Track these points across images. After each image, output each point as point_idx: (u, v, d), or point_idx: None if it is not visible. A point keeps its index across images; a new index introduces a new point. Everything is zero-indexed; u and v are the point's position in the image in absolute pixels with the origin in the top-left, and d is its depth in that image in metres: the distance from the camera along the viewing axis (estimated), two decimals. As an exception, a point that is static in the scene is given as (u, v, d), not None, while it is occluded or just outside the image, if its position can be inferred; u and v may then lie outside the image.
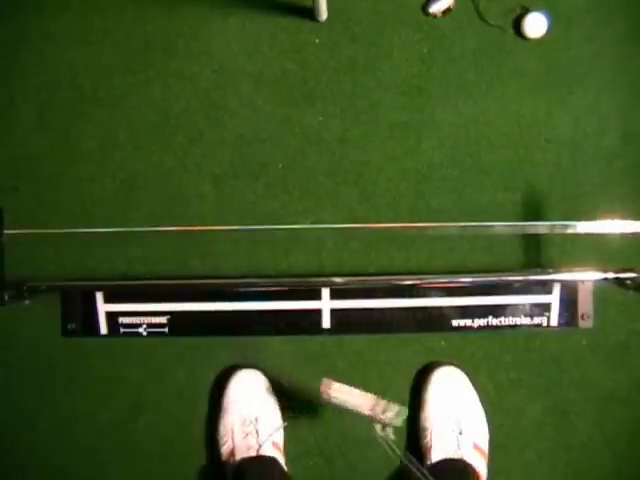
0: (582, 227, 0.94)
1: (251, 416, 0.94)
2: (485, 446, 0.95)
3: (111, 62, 1.00)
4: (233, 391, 0.97)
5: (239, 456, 0.91)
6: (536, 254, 0.99)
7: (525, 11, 0.98)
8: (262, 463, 0.90)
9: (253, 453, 0.91)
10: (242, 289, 1.00)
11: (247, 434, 0.93)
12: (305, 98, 1.00)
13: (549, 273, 0.94)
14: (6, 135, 1.01)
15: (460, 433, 0.92)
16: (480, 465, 0.92)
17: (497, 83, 0.99)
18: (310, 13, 0.97)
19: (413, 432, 0.98)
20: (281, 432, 0.96)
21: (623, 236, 0.93)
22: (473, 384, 0.98)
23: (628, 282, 0.87)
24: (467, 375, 0.98)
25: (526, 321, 0.99)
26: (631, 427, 0.99)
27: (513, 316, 0.99)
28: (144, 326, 1.00)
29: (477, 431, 0.95)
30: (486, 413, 0.97)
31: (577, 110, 0.99)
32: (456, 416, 0.94)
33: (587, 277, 0.92)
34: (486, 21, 0.99)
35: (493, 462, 0.96)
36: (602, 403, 0.99)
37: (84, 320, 1.01)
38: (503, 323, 0.99)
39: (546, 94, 0.99)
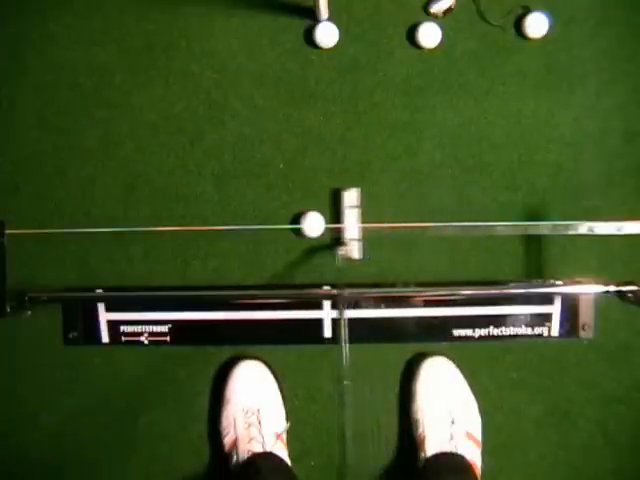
0: (583, 227, 0.94)
1: (253, 407, 0.94)
2: (478, 434, 0.95)
3: (112, 62, 1.00)
4: (235, 382, 0.97)
5: (242, 447, 0.91)
6: (537, 254, 0.99)
7: (526, 11, 0.98)
8: (269, 460, 0.91)
9: (256, 444, 0.91)
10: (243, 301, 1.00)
11: (250, 425, 0.93)
12: (306, 98, 1.00)
13: (550, 285, 0.94)
14: (7, 135, 1.01)
15: (452, 422, 0.93)
16: (474, 454, 0.93)
17: (498, 83, 0.99)
18: (311, 13, 0.97)
19: (406, 424, 0.99)
20: (285, 428, 0.96)
21: (625, 236, 0.93)
22: (473, 383, 0.98)
23: (629, 295, 0.88)
24: (458, 366, 0.98)
25: (527, 331, 0.99)
26: (632, 427, 0.99)
27: (514, 326, 0.99)
28: (145, 334, 1.01)
29: (469, 420, 0.95)
30: (487, 413, 0.97)
31: (578, 110, 0.99)
32: (447, 406, 0.94)
33: (588, 290, 0.93)
34: (487, 21, 0.99)
35: (493, 462, 0.97)
36: (603, 403, 0.99)
37: (85, 329, 1.01)
38: (504, 333, 0.99)
39: (547, 94, 0.99)
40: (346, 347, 0.77)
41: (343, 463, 0.69)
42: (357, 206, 0.97)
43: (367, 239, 0.99)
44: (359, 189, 0.98)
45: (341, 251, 0.96)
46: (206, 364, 1.01)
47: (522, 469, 1.00)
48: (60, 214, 1.01)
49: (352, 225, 0.97)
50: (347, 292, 0.84)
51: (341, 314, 0.82)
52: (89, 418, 1.02)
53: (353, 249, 0.97)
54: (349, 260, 0.97)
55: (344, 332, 0.79)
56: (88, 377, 1.01)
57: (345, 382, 0.73)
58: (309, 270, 1.00)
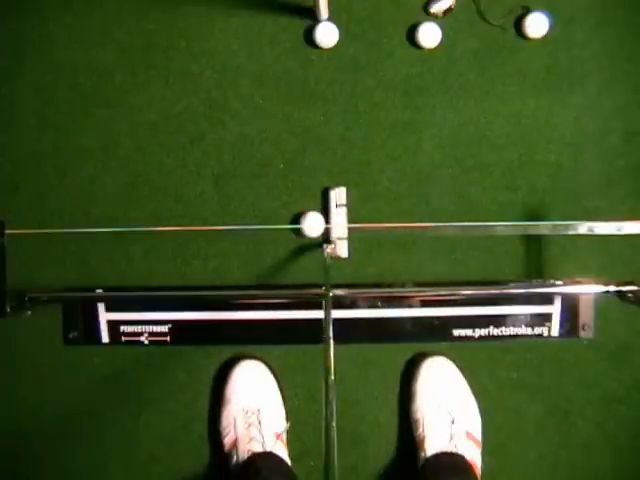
0: (583, 227, 0.94)
1: (253, 407, 0.95)
2: (478, 434, 0.96)
3: (112, 62, 1.00)
4: (235, 382, 0.97)
5: (242, 447, 0.91)
6: (537, 254, 0.99)
7: (526, 11, 0.98)
8: (269, 460, 0.91)
9: (256, 444, 0.91)
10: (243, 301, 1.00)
11: (250, 425, 0.93)
12: (306, 98, 1.00)
13: (550, 285, 0.94)
14: (6, 135, 1.01)
15: (452, 422, 0.93)
16: (474, 454, 0.93)
17: (498, 83, 0.99)
18: (311, 13, 0.97)
19: (406, 424, 0.99)
20: (285, 428, 0.96)
21: (625, 236, 0.93)
22: (473, 383, 0.98)
23: (629, 295, 0.88)
24: (458, 367, 0.98)
25: (527, 331, 0.99)
26: (632, 427, 0.99)
27: (514, 326, 0.99)
28: (145, 334, 1.00)
29: (469, 420, 0.95)
30: (487, 413, 0.97)
31: (578, 110, 0.99)
32: (447, 406, 0.94)
33: (588, 290, 0.93)
34: (487, 21, 0.99)
35: (493, 462, 0.97)
36: (603, 403, 0.99)
37: (85, 329, 1.01)
38: (504, 333, 0.99)
39: (547, 94, 0.99)
40: (332, 346, 0.77)
41: (331, 463, 0.68)
42: (344, 205, 0.97)
43: (365, 239, 0.99)
44: (346, 188, 0.98)
45: (327, 249, 0.95)
46: (206, 364, 1.01)
47: (522, 469, 1.00)
48: (60, 214, 1.01)
49: (340, 224, 0.97)
50: (332, 292, 0.84)
51: (327, 313, 0.82)
52: (89, 418, 1.02)
53: (340, 248, 0.97)
54: (337, 259, 0.97)
55: (330, 330, 0.79)
56: (88, 377, 1.01)
57: (330, 380, 0.74)
58: (309, 270, 1.00)
